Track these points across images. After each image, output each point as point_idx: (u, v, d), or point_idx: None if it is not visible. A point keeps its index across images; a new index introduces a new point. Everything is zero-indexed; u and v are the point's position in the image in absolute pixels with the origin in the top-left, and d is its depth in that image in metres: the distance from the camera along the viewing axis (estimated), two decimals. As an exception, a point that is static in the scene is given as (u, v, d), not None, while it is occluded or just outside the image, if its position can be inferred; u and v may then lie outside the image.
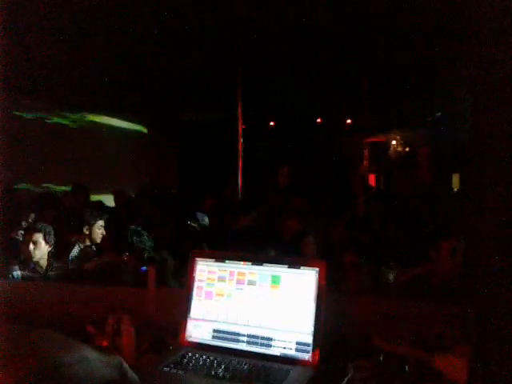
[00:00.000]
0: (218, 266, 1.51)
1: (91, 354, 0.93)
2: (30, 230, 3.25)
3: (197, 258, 1.53)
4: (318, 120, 9.04)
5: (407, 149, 8.63)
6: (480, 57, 1.10)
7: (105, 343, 1.55)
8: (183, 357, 1.40)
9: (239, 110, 6.61)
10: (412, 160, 8.53)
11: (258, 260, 1.49)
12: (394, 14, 4.75)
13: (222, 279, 1.50)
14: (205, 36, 5.36)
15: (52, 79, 6.35)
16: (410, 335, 1.52)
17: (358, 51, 5.88)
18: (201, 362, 1.37)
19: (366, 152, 9.23)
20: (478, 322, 1.11)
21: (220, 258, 1.52)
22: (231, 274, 1.49)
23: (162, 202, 4.95)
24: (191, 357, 1.40)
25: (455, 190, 7.77)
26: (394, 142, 8.88)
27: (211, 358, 1.39)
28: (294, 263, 1.46)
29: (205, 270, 1.52)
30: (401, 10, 4.64)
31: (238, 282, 1.48)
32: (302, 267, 1.44)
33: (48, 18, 4.46)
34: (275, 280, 1.45)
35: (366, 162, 9.15)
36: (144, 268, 2.08)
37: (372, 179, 8.70)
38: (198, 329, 1.49)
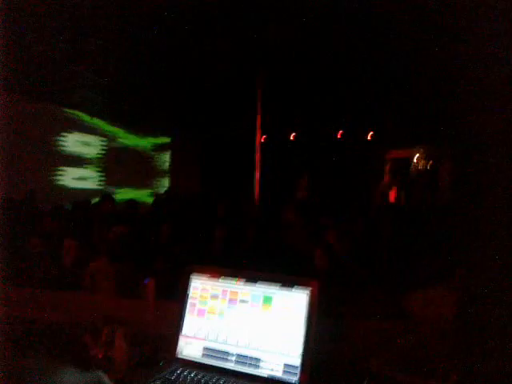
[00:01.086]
0: (211, 284, 1.52)
1: (70, 375, 0.95)
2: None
3: (191, 275, 1.54)
4: (339, 133, 9.00)
5: (430, 164, 8.50)
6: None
7: (100, 354, 1.57)
8: (172, 373, 1.41)
9: (258, 122, 6.67)
10: (434, 176, 8.40)
11: (251, 278, 1.49)
12: (417, 25, 4.71)
13: (214, 297, 1.50)
14: (226, 50, 5.43)
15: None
16: (408, 361, 1.50)
17: (380, 64, 5.85)
18: (189, 380, 1.37)
19: (387, 167, 9.13)
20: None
21: (214, 275, 1.53)
22: (224, 292, 1.49)
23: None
24: (180, 374, 1.41)
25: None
26: (416, 157, 8.75)
27: (200, 375, 1.39)
28: (287, 282, 1.45)
29: (198, 288, 1.53)
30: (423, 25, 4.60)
31: (231, 300, 1.48)
32: (294, 287, 1.43)
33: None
34: (267, 300, 1.45)
35: (386, 177, 9.05)
36: (147, 280, 2.10)
37: (393, 195, 8.59)
38: (189, 346, 1.49)
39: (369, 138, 8.66)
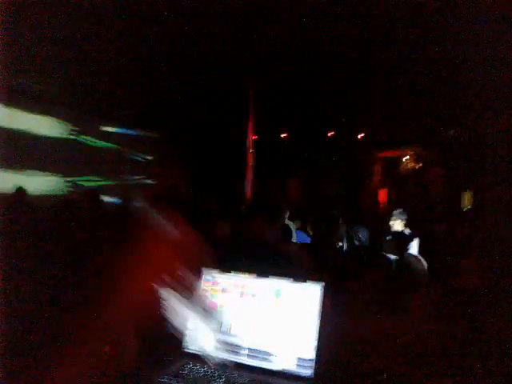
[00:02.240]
0: (222, 277, 1.50)
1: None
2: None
3: (203, 268, 1.52)
4: (331, 133, 9.03)
5: (419, 165, 8.58)
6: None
7: (106, 348, 1.54)
8: (183, 367, 1.39)
9: (250, 122, 6.66)
10: (423, 176, 8.48)
11: (262, 273, 1.48)
12: (411, 28, 4.75)
13: (225, 291, 1.49)
14: (218, 49, 5.42)
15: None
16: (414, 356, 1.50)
17: (373, 65, 5.89)
18: (201, 374, 1.36)
19: (377, 167, 9.21)
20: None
21: (225, 269, 1.51)
22: (235, 286, 1.48)
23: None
24: (191, 368, 1.39)
25: (465, 209, 7.69)
26: (406, 158, 8.84)
27: (211, 369, 1.38)
28: (300, 277, 1.44)
29: (210, 281, 1.51)
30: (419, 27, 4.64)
31: (242, 294, 1.47)
32: (307, 281, 1.42)
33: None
34: (279, 293, 1.44)
35: (376, 177, 9.13)
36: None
37: (384, 194, 8.66)
38: (201, 339, 1.47)
39: (359, 138, 8.71)
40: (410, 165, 8.72)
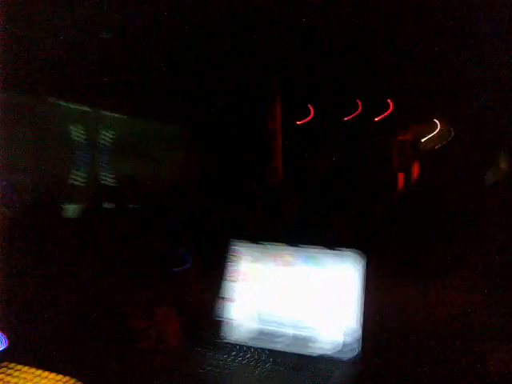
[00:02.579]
0: (256, 249, 1.46)
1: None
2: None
3: (234, 241, 1.48)
4: (351, 115, 8.89)
5: (437, 146, 8.36)
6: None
7: (152, 336, 1.52)
8: (227, 353, 1.36)
9: (278, 108, 6.60)
10: (443, 157, 8.26)
11: (297, 243, 1.42)
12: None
13: (261, 262, 1.45)
14: (234, 30, 5.35)
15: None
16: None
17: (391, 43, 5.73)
18: (245, 358, 1.33)
19: (394, 150, 9.02)
20: None
21: (259, 240, 1.47)
22: (271, 257, 1.44)
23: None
24: (235, 352, 1.36)
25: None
26: (434, 133, 8.64)
27: (255, 352, 1.35)
28: (336, 246, 1.38)
29: (243, 254, 1.47)
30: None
31: (279, 265, 1.42)
32: (343, 250, 1.37)
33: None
34: (315, 263, 1.39)
35: (395, 160, 8.94)
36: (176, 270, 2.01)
37: (401, 178, 8.49)
38: (240, 320, 1.43)
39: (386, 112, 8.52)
40: (430, 144, 8.49)
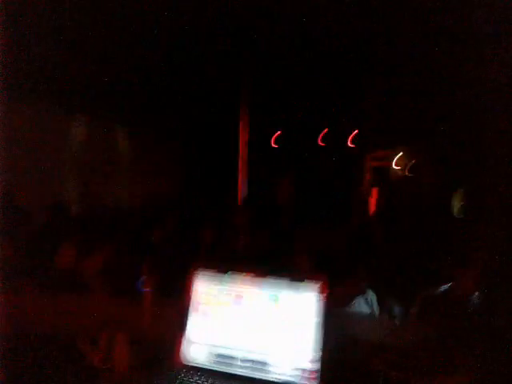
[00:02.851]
0: (218, 280, 1.44)
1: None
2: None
3: (197, 271, 1.46)
4: (320, 137, 9.00)
5: (412, 162, 8.58)
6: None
7: (98, 359, 1.48)
8: (179, 375, 1.33)
9: (244, 122, 6.62)
10: (415, 174, 8.48)
11: (259, 273, 1.42)
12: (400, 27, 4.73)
13: (221, 294, 1.43)
14: (209, 45, 5.36)
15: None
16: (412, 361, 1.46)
17: (365, 64, 5.86)
18: (196, 382, 1.30)
19: (368, 166, 9.19)
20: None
21: (219, 273, 1.45)
22: (231, 289, 1.42)
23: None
24: (187, 375, 1.33)
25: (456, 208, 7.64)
26: (397, 156, 8.84)
27: (207, 378, 1.32)
28: (295, 278, 1.39)
29: (205, 284, 1.45)
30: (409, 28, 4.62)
31: (238, 297, 1.41)
32: (302, 286, 1.37)
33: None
34: (275, 298, 1.38)
35: (368, 176, 9.13)
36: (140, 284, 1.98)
37: (375, 193, 8.65)
38: (194, 350, 1.41)
39: (352, 136, 8.67)
40: (401, 164, 8.73)
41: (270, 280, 1.40)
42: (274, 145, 9.59)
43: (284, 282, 1.39)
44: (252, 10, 4.56)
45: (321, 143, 9.47)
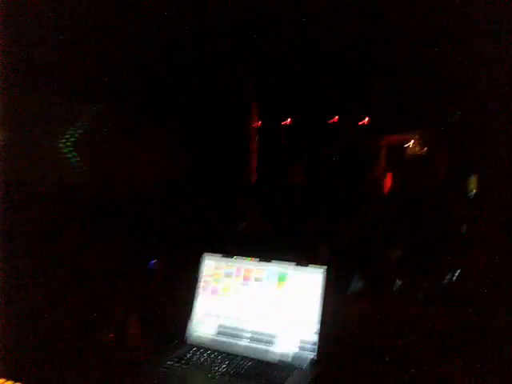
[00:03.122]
0: (225, 262, 1.51)
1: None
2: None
3: (204, 254, 1.53)
4: (334, 119, 8.98)
5: (425, 149, 8.51)
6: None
7: (111, 335, 1.55)
8: (187, 352, 1.40)
9: (253, 109, 6.64)
10: (429, 161, 8.42)
11: (265, 257, 1.48)
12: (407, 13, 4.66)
13: (228, 275, 1.49)
14: (217, 31, 5.36)
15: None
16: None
17: (377, 49, 5.81)
18: (204, 358, 1.37)
19: (382, 152, 9.17)
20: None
21: (227, 254, 1.51)
22: (238, 270, 1.49)
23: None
24: (195, 352, 1.40)
25: (471, 194, 7.60)
26: (411, 143, 8.78)
27: (214, 354, 1.39)
28: (302, 262, 1.44)
29: (212, 266, 1.52)
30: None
31: (245, 278, 1.47)
32: (309, 266, 1.43)
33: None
34: (282, 278, 1.44)
35: (382, 162, 9.10)
36: (153, 261, 2.08)
37: (388, 181, 8.62)
38: (203, 324, 1.48)
39: (364, 122, 8.64)
40: (415, 150, 8.64)
41: (276, 263, 1.45)
42: (285, 130, 9.59)
43: (290, 265, 1.44)
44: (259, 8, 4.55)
45: (332, 125, 9.42)
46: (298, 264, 1.44)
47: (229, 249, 1.53)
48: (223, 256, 1.51)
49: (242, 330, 1.43)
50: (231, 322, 1.45)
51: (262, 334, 1.41)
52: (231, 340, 1.44)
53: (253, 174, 6.90)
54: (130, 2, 4.33)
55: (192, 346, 1.44)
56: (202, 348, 1.42)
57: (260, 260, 1.47)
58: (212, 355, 1.38)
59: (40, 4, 3.89)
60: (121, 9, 4.46)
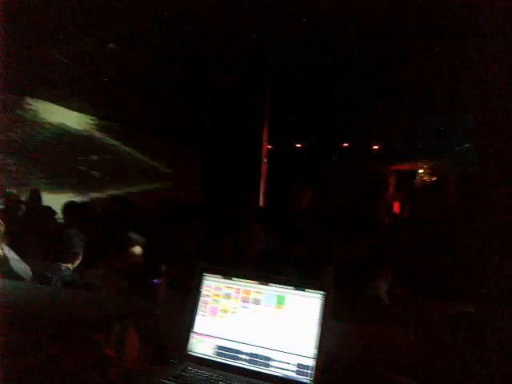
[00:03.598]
0: (224, 283, 1.53)
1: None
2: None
3: (204, 274, 1.55)
4: (345, 144, 9.04)
5: (434, 178, 8.52)
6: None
7: (110, 351, 1.57)
8: (184, 371, 1.41)
9: (265, 132, 6.73)
10: (439, 189, 8.42)
11: (264, 279, 1.50)
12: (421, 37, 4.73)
13: (227, 296, 1.51)
14: (233, 56, 5.48)
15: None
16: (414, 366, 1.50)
17: (386, 77, 5.89)
18: (201, 378, 1.38)
19: (391, 179, 9.17)
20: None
21: (227, 275, 1.54)
22: (237, 291, 1.50)
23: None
24: (192, 371, 1.41)
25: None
26: (420, 171, 8.79)
27: (212, 373, 1.40)
28: (301, 285, 1.46)
29: (211, 286, 1.54)
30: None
31: (244, 300, 1.49)
32: (307, 290, 1.44)
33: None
34: (280, 301, 1.45)
35: (391, 190, 9.09)
36: (156, 281, 2.10)
37: (396, 207, 8.61)
38: (201, 344, 1.49)
39: (375, 148, 8.68)
40: (425, 178, 8.67)
41: (275, 285, 1.47)
42: (295, 153, 9.67)
43: (289, 291, 1.46)
44: (276, 17, 4.64)
45: (343, 148, 9.49)
46: (296, 288, 1.46)
47: (228, 270, 1.55)
48: (223, 277, 1.53)
49: (240, 352, 1.44)
50: (230, 343, 1.47)
51: (259, 355, 1.42)
52: (228, 361, 1.45)
53: (261, 197, 6.95)
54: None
55: (189, 365, 1.45)
56: (198, 368, 1.43)
57: (259, 282, 1.49)
58: (208, 375, 1.39)
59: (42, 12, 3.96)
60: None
